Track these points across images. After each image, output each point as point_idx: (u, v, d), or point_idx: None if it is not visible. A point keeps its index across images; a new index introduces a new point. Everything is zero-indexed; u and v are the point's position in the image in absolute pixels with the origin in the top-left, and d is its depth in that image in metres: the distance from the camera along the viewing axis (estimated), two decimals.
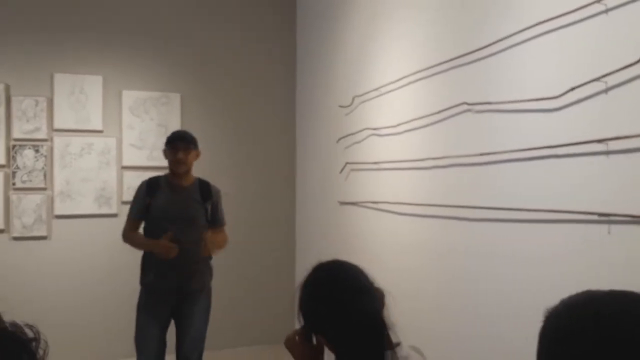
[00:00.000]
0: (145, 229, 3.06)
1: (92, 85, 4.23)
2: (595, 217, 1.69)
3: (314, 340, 1.17)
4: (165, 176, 3.11)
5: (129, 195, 4.18)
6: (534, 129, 1.97)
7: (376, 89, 3.21)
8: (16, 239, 4.07)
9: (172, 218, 2.97)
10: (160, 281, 2.98)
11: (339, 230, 3.73)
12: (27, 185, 4.08)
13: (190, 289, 3.00)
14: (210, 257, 3.12)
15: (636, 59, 1.55)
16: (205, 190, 3.09)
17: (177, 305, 3.01)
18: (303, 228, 4.63)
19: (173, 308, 3.01)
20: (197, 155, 3.09)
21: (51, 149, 4.14)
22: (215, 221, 3.10)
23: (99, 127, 4.25)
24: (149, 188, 3.07)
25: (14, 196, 4.05)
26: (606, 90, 1.68)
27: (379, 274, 1.29)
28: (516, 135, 2.06)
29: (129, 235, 3.07)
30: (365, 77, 3.41)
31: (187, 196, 3.04)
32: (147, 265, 3.03)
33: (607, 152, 1.67)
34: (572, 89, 1.78)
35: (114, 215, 4.22)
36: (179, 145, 2.98)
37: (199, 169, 3.21)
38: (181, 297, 3.00)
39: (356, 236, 3.45)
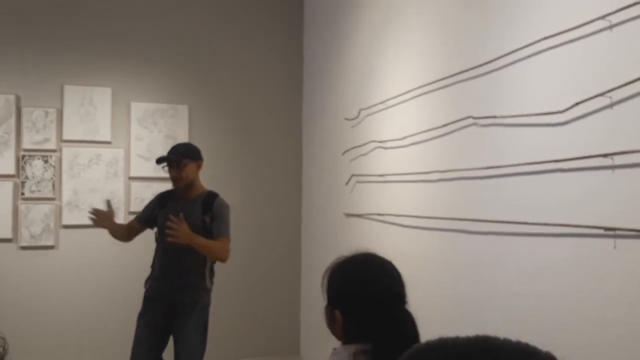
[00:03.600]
0: (156, 243, 3.12)
1: (101, 97, 4.28)
2: (601, 232, 1.69)
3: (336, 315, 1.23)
4: (175, 190, 3.15)
5: (136, 206, 4.24)
6: (539, 142, 1.98)
7: (382, 102, 3.23)
8: (24, 248, 4.10)
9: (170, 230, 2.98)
10: (155, 290, 3.02)
11: (345, 242, 3.73)
12: (36, 195, 4.12)
13: (182, 303, 2.97)
14: (211, 272, 3.08)
15: None
16: (208, 202, 3.03)
17: (172, 319, 3.01)
18: (309, 239, 4.63)
19: (169, 321, 3.01)
20: (199, 167, 3.07)
21: (60, 160, 4.18)
22: (213, 232, 2.98)
23: (108, 138, 4.29)
24: (161, 199, 3.14)
25: (22, 206, 4.09)
26: (611, 105, 1.69)
27: None
28: (521, 149, 2.07)
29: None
30: (371, 90, 3.43)
31: (187, 209, 2.98)
32: (152, 269, 3.09)
33: (613, 167, 1.68)
34: (577, 103, 1.79)
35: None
36: (171, 163, 2.99)
37: (205, 179, 3.22)
38: (175, 310, 2.99)
39: (362, 248, 3.44)
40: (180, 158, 2.97)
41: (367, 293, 1.20)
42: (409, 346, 1.13)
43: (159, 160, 3.02)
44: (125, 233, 3.22)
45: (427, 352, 0.54)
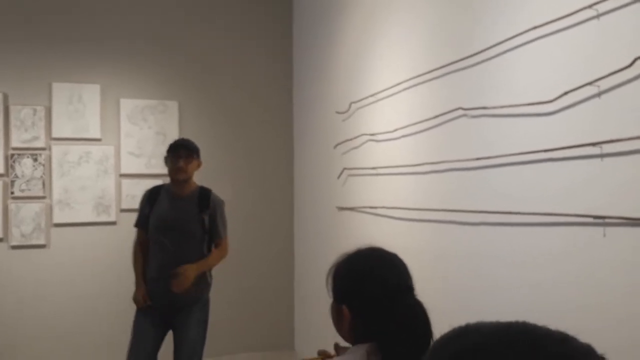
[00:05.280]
0: (149, 239, 3.08)
1: (90, 94, 4.25)
2: (591, 220, 1.70)
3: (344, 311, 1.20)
4: (166, 185, 3.11)
5: (127, 203, 4.23)
6: (529, 132, 1.99)
7: (372, 95, 3.23)
8: (15, 247, 4.07)
9: (166, 228, 2.96)
10: (154, 288, 2.98)
11: (338, 235, 3.74)
12: (26, 194, 4.09)
13: (183, 300, 2.96)
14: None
15: (627, 63, 1.57)
16: (204, 199, 3.03)
17: (172, 316, 2.99)
18: (301, 234, 4.64)
19: (168, 318, 2.99)
20: (199, 165, 3.07)
21: (49, 158, 4.15)
22: (212, 234, 3.05)
23: (97, 136, 4.26)
24: (150, 197, 3.07)
25: (12, 205, 4.06)
26: (599, 94, 1.70)
27: None
28: (511, 139, 2.08)
29: (134, 252, 3.11)
30: (361, 83, 3.43)
31: (183, 206, 3.00)
32: (147, 270, 3.05)
33: (602, 155, 1.69)
34: (566, 93, 1.79)
35: (113, 223, 4.23)
36: (181, 152, 2.97)
37: (197, 175, 3.22)
38: (175, 309, 2.98)
39: (355, 241, 3.45)
40: (193, 151, 3.00)
41: (373, 287, 1.19)
42: (418, 338, 1.11)
43: (176, 146, 3.00)
44: (145, 249, 3.10)
45: (466, 333, 0.55)
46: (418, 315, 1.17)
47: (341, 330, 1.22)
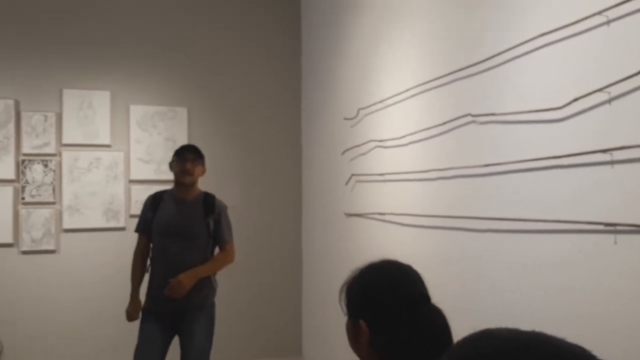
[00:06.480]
0: (152, 244, 3.08)
1: (100, 100, 4.28)
2: (601, 227, 1.69)
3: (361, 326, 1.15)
4: (170, 190, 3.11)
5: (137, 209, 4.23)
6: (538, 139, 1.98)
7: (381, 101, 3.23)
8: (25, 252, 4.10)
9: (171, 233, 2.95)
10: (157, 296, 2.95)
11: (346, 241, 3.73)
12: (36, 199, 4.12)
13: (189, 304, 2.95)
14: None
15: (638, 69, 1.56)
16: (209, 204, 3.03)
17: (178, 322, 2.98)
18: (309, 240, 4.63)
19: (174, 324, 2.98)
20: (203, 172, 3.08)
21: (60, 164, 4.18)
22: (217, 238, 3.06)
23: (107, 142, 4.29)
24: (153, 202, 3.07)
25: (23, 210, 4.09)
26: (609, 101, 1.69)
27: None
28: (521, 145, 2.07)
29: (133, 263, 3.12)
30: (369, 90, 3.43)
31: (188, 211, 3.00)
32: (150, 277, 3.05)
33: (612, 162, 1.68)
34: (576, 99, 1.79)
35: (122, 229, 4.25)
36: (188, 155, 2.99)
37: (206, 181, 3.23)
38: (180, 315, 2.97)
39: (362, 247, 3.45)
40: (199, 155, 3.04)
41: (389, 297, 1.15)
42: (437, 344, 1.08)
43: (183, 149, 3.03)
44: (145, 259, 3.11)
45: (484, 338, 0.55)
46: (435, 322, 1.14)
47: (359, 349, 1.16)
